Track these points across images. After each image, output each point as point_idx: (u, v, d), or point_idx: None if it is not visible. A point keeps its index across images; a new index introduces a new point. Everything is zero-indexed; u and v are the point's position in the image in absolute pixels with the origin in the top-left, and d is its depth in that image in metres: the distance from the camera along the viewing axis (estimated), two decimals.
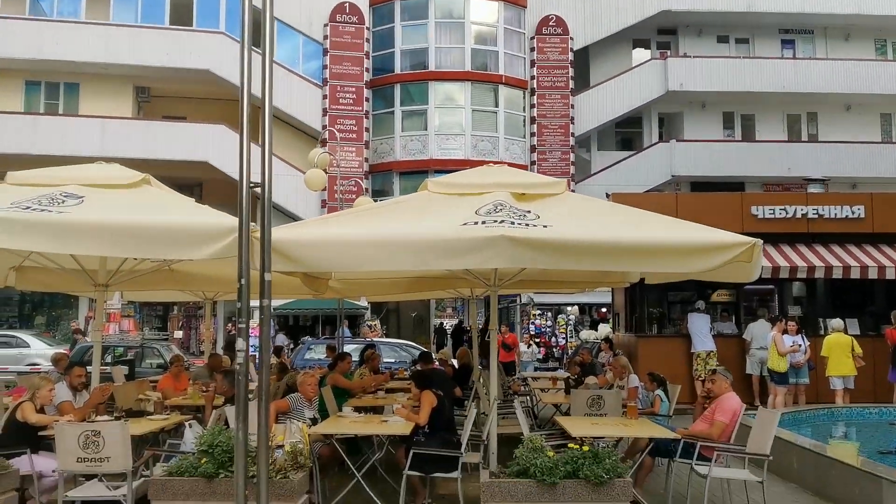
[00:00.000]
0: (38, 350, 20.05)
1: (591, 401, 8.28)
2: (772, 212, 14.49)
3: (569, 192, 7.40)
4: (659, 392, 8.75)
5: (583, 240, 5.90)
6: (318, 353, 17.71)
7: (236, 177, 4.21)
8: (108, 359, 16.85)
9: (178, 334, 26.27)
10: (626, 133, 31.68)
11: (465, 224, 6.10)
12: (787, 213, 14.48)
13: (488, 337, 7.90)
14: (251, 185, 3.82)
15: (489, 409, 7.81)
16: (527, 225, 6.19)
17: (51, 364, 12.73)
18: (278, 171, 24.07)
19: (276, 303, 24.86)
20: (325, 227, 6.44)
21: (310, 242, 5.73)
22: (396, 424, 6.88)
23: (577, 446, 5.71)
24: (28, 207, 5.97)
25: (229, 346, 12.14)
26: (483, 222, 6.16)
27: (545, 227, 6.12)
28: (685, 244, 5.90)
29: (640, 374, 9.80)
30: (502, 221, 6.18)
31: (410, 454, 6.44)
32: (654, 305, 15.49)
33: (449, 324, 39.04)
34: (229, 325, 25.12)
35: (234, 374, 8.56)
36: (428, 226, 6.21)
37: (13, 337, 20.97)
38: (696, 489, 7.07)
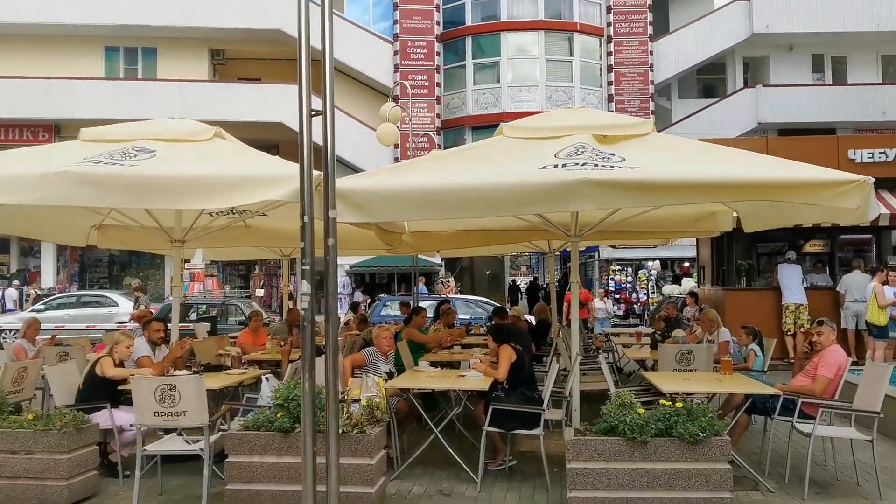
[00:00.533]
0: (126, 309, 20.69)
1: (680, 355, 7.84)
2: (870, 156, 13.47)
3: (656, 133, 6.89)
4: (753, 346, 8.23)
5: (675, 179, 5.45)
6: (394, 309, 17.68)
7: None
8: (193, 316, 17.25)
9: (260, 292, 26.76)
10: (708, 80, 30.30)
11: (543, 167, 5.74)
12: (887, 157, 13.45)
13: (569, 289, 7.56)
14: (312, 112, 3.54)
15: (570, 364, 7.50)
16: (612, 167, 5.79)
17: (134, 322, 13.06)
18: (349, 129, 24.25)
19: (351, 260, 25.16)
20: (395, 175, 6.16)
21: (379, 191, 5.47)
22: (474, 379, 6.64)
23: (669, 403, 5.35)
24: (100, 162, 5.90)
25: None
26: (564, 165, 5.80)
27: (632, 168, 5.70)
28: (790, 180, 5.39)
29: (727, 328, 9.28)
30: (584, 164, 5.79)
31: (490, 410, 6.19)
32: (743, 257, 14.75)
33: (523, 281, 38.67)
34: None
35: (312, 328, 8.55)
36: (504, 171, 5.87)
37: (103, 297, 21.72)
38: (796, 448, 6.61)
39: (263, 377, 6.62)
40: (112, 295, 21.95)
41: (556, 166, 5.79)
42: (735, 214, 8.50)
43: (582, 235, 7.81)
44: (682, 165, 5.83)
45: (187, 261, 26.66)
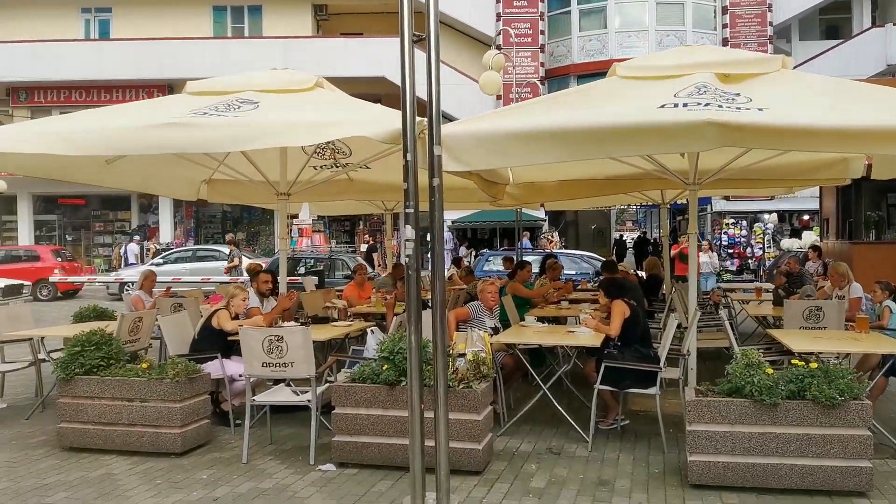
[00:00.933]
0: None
1: (809, 312, 7.26)
2: None
3: (785, 70, 6.27)
4: (889, 303, 7.52)
5: (810, 124, 4.89)
6: (496, 264, 17.47)
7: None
8: (301, 270, 17.61)
9: (364, 247, 27.11)
10: (831, 20, 28.11)
11: (662, 107, 5.31)
12: None
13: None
14: (414, 36, 3.28)
15: (685, 321, 7.07)
16: (738, 108, 5.30)
17: (247, 275, 13.37)
18: (450, 81, 23.87)
19: (454, 215, 25.05)
20: (499, 118, 5.83)
21: (484, 135, 5.16)
22: (585, 335, 6.34)
23: (801, 363, 4.90)
24: (206, 114, 5.88)
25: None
26: (685, 105, 5.34)
27: (760, 110, 5.19)
28: None
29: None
30: (707, 104, 5.32)
31: (602, 368, 5.89)
32: (872, 208, 13.66)
33: (629, 237, 37.58)
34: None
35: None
36: (619, 111, 5.46)
37: (216, 251, 22.50)
38: None
39: (369, 330, 6.55)
40: (225, 249, 22.70)
41: (676, 106, 5.35)
42: (866, 162, 7.76)
43: (701, 184, 7.30)
44: (818, 109, 5.24)
45: (295, 216, 27.31)
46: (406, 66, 3.28)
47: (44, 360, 7.55)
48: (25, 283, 18.05)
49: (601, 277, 10.17)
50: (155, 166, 8.43)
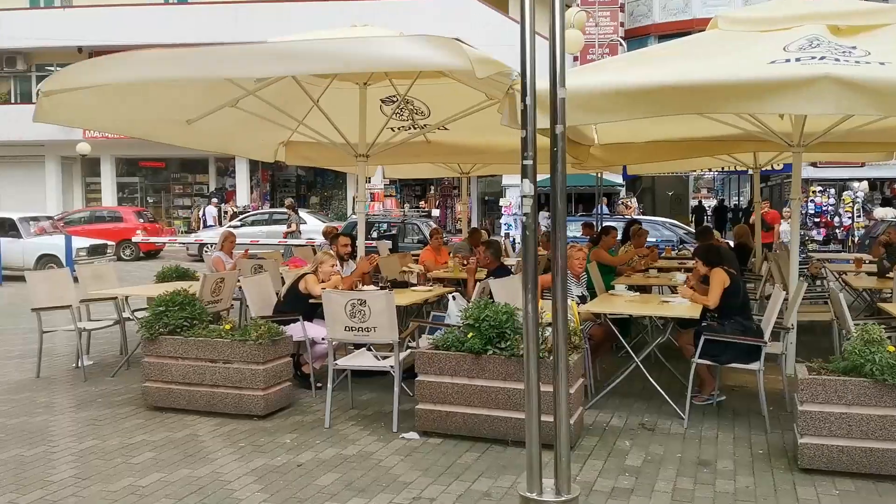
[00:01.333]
0: (313, 226, 21.52)
1: None
2: None
3: None
4: None
5: None
6: (574, 230, 17.03)
7: None
8: (374, 234, 17.58)
9: (435, 212, 26.98)
10: None
11: (773, 62, 4.88)
12: None
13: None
14: None
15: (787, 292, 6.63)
16: (856, 62, 4.83)
17: (322, 238, 13.37)
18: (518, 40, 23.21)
19: None
20: (594, 73, 5.47)
21: (584, 90, 4.83)
22: (681, 306, 5.98)
23: None
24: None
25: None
26: (797, 59, 4.90)
27: (882, 64, 4.72)
28: None
29: None
30: (822, 58, 4.87)
31: (702, 340, 5.54)
32: None
33: (707, 204, 36.34)
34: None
35: (498, 245, 8.20)
36: (724, 65, 5.05)
37: (291, 214, 22.67)
38: None
39: (450, 296, 6.35)
40: (300, 213, 22.89)
41: (787, 61, 4.92)
42: None
43: (807, 146, 6.81)
44: None
45: (367, 180, 27.35)
46: None
47: (128, 319, 7.64)
48: (109, 243, 18.55)
49: (688, 245, 9.73)
50: (234, 127, 8.35)
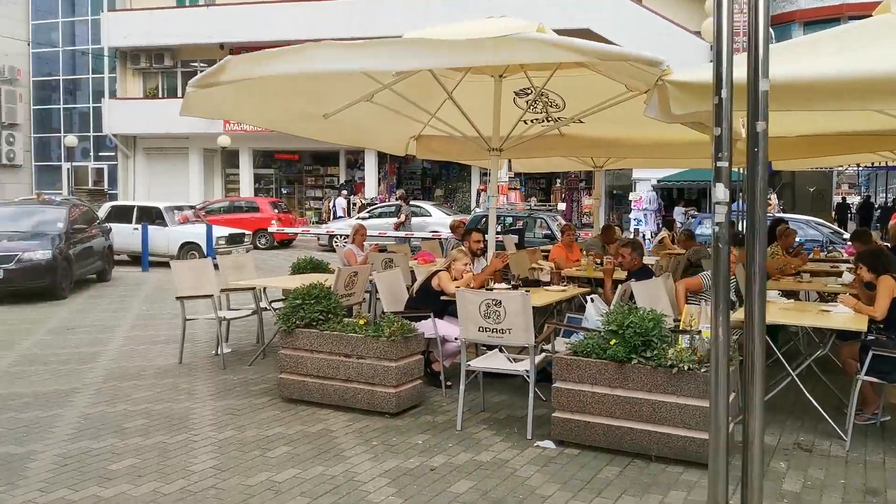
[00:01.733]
0: (438, 219, 21.62)
1: None
2: None
3: None
4: None
5: None
6: (709, 227, 16.21)
7: None
8: (499, 228, 17.42)
9: (561, 206, 26.51)
10: None
11: None
12: None
13: None
14: None
15: None
16: None
17: (449, 231, 13.33)
18: (651, 29, 22.37)
19: (658, 174, 23.68)
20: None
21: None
22: (843, 316, 5.45)
23: None
24: None
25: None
26: None
27: None
28: None
29: None
30: None
31: (870, 356, 5.01)
32: None
33: (851, 200, 33.89)
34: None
35: (641, 245, 7.82)
36: None
37: (417, 207, 22.89)
38: None
39: (588, 297, 6.07)
40: (426, 205, 23.07)
41: None
42: None
43: None
44: None
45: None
46: None
47: (265, 310, 7.82)
48: (246, 232, 19.31)
49: (838, 247, 8.95)
50: (367, 121, 8.39)
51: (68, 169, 33.27)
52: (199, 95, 6.27)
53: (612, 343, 4.81)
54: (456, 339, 5.86)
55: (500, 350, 5.73)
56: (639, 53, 4.65)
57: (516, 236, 14.67)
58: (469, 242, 7.60)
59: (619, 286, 6.16)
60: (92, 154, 35.16)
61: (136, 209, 17.69)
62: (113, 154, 32.92)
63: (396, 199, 24.14)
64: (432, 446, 4.94)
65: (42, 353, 7.77)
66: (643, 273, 6.79)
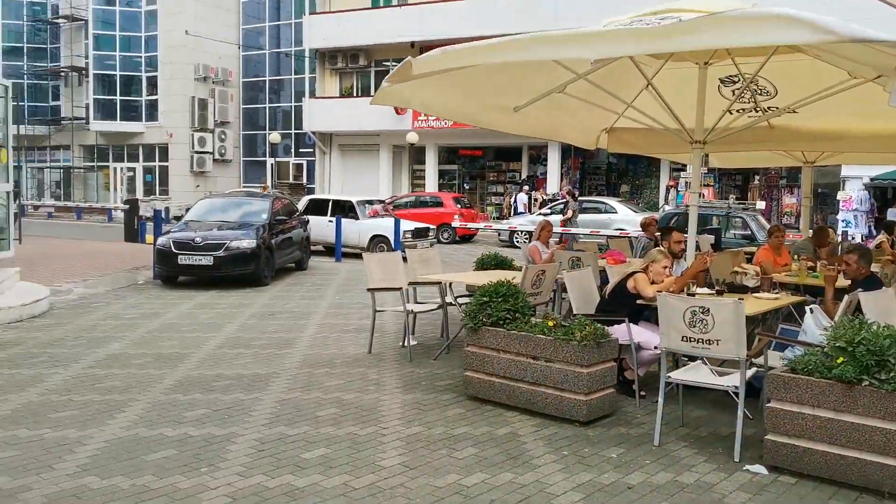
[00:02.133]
0: (624, 216, 20.90)
1: None
2: None
3: None
4: None
5: None
6: None
7: None
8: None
9: (760, 205, 24.73)
10: None
11: None
12: None
13: None
14: None
15: None
16: None
17: (639, 230, 12.74)
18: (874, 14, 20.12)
19: (871, 171, 21.37)
20: None
21: None
22: None
23: None
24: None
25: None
26: None
27: None
28: None
29: None
30: None
31: None
32: None
33: None
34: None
35: (870, 252, 6.98)
36: None
37: (602, 203, 22.27)
38: None
39: (807, 308, 5.42)
40: (610, 201, 22.40)
41: None
42: None
43: None
44: None
45: (681, 169, 25.90)
46: None
47: (450, 304, 7.79)
48: (431, 226, 19.66)
49: None
50: (557, 113, 8.16)
51: (271, 164, 35.81)
52: (393, 89, 6.35)
53: (839, 361, 4.23)
54: (656, 347, 5.45)
55: (703, 361, 5.26)
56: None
57: (712, 236, 13.72)
58: (669, 242, 7.13)
59: (845, 296, 5.45)
60: (293, 150, 37.56)
61: (330, 202, 18.53)
62: (311, 150, 34.92)
63: (561, 195, 23.63)
64: (628, 461, 4.60)
65: (245, 337, 8.23)
66: (871, 283, 5.99)
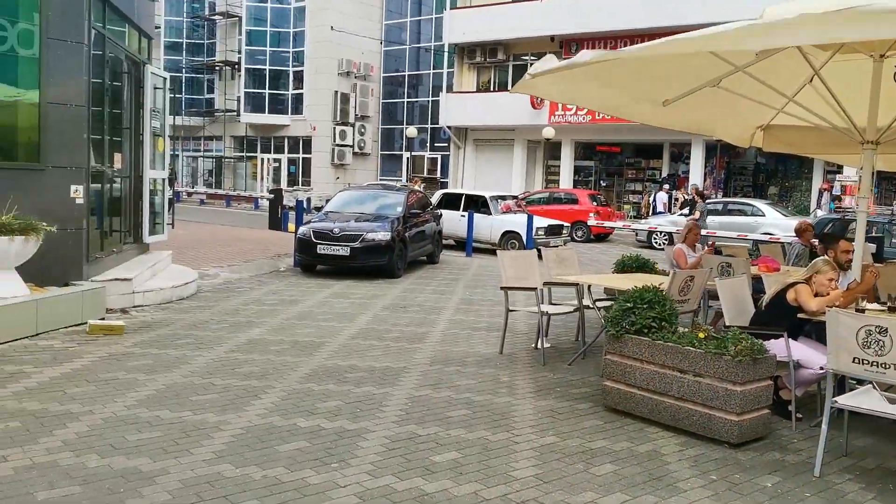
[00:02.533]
0: (773, 220, 19.63)
1: None
2: None
3: None
4: None
5: None
6: None
7: None
8: (848, 235, 15.20)
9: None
10: None
11: None
12: None
13: None
14: None
15: None
16: None
17: (792, 235, 11.86)
18: None
19: None
20: None
21: None
22: None
23: None
24: None
25: None
26: None
27: None
28: None
29: None
30: None
31: None
32: None
33: None
34: None
35: None
36: None
37: (748, 205, 21.02)
38: None
39: None
40: (758, 203, 21.10)
41: None
42: None
43: None
44: None
45: (836, 171, 24.05)
46: None
47: (587, 307, 7.47)
48: (565, 224, 19.23)
49: None
50: (710, 107, 7.62)
51: (407, 158, 36.40)
52: (535, 80, 6.12)
53: None
54: (822, 368, 4.94)
55: (873, 386, 4.71)
56: None
57: (874, 246, 12.60)
58: (835, 252, 6.52)
59: None
60: (428, 144, 38.03)
61: (463, 197, 18.50)
62: (446, 144, 35.19)
63: (691, 193, 22.43)
64: (784, 492, 4.16)
65: (377, 329, 8.25)
66: None
